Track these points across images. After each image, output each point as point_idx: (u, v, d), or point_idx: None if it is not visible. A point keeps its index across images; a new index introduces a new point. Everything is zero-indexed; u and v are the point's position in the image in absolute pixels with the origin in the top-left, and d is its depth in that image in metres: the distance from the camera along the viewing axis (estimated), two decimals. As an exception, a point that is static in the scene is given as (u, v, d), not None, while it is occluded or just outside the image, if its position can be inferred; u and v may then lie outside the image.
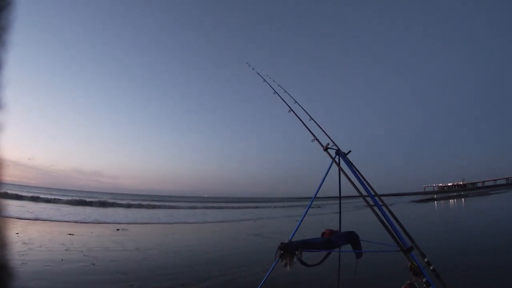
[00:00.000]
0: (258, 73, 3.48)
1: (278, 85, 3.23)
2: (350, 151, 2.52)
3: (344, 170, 2.34)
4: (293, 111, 2.82)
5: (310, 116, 2.81)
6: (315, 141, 2.51)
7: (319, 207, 24.67)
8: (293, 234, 2.17)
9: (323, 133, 2.70)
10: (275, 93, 3.10)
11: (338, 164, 2.40)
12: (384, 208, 2.21)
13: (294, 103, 2.97)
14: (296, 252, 2.03)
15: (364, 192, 2.27)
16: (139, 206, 23.98)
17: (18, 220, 9.17)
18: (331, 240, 2.45)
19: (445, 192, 72.79)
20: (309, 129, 2.63)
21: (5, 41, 0.48)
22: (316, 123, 2.77)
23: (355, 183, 2.23)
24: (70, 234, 7.42)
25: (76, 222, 10.23)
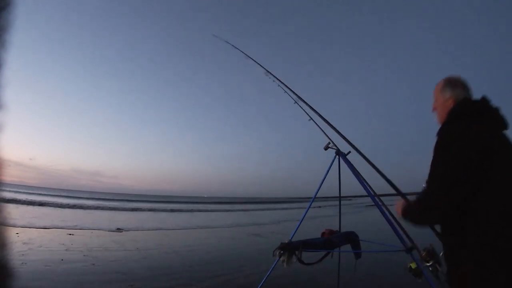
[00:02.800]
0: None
1: (280, 81, 3.19)
2: (350, 152, 2.52)
3: (344, 171, 2.34)
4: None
5: (310, 117, 2.80)
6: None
7: (320, 207, 24.68)
8: (293, 234, 2.17)
9: (322, 133, 2.70)
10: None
11: (339, 164, 2.40)
12: (384, 208, 2.21)
13: (294, 103, 2.95)
14: (296, 252, 2.03)
15: (364, 193, 2.27)
16: (140, 209, 24.02)
17: (18, 223, 9.19)
18: (331, 240, 2.45)
19: (445, 192, 72.49)
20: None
21: (5, 41, 0.48)
22: (316, 123, 2.76)
23: (355, 183, 2.23)
24: (70, 234, 7.42)
25: (75, 226, 10.25)
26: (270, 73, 3.07)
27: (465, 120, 1.21)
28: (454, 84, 1.35)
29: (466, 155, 1.11)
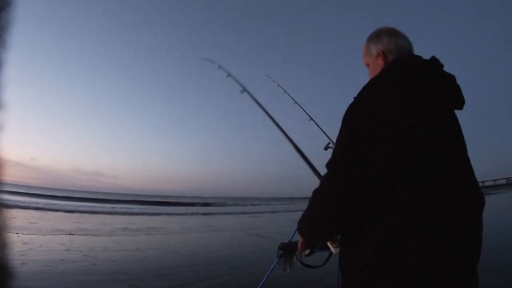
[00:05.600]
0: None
1: (278, 85, 3.20)
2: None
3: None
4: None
5: (310, 117, 2.80)
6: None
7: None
8: (293, 234, 2.17)
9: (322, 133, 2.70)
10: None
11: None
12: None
13: (294, 103, 2.95)
14: (296, 252, 2.03)
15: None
16: (140, 209, 24.10)
17: (18, 223, 9.20)
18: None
19: (445, 192, 72.42)
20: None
21: (5, 41, 0.48)
22: (316, 123, 2.76)
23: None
24: (70, 234, 7.42)
25: (75, 226, 10.27)
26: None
27: (392, 83, 0.78)
28: (376, 35, 0.96)
29: (373, 129, 0.72)
